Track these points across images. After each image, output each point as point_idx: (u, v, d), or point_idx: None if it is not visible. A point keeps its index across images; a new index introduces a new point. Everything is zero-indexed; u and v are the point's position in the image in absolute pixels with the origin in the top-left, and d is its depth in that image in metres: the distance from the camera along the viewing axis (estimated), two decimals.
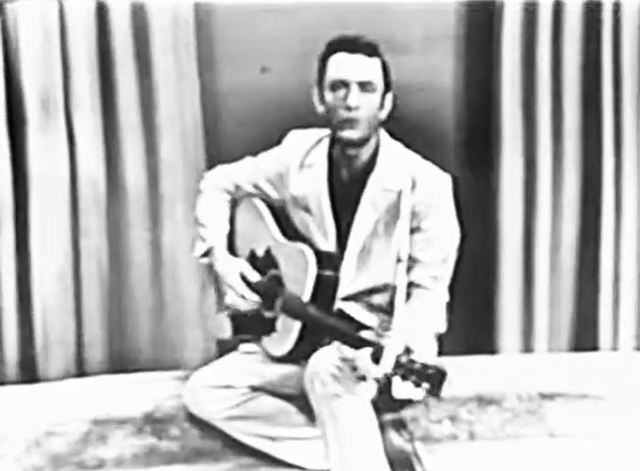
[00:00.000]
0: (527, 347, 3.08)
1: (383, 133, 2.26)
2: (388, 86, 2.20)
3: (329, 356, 2.08)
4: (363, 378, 1.93)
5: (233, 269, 2.32)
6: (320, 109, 2.21)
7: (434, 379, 1.82)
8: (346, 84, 2.13)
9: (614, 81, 2.99)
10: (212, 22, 3.00)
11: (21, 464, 2.45)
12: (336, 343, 2.09)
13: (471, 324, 3.01)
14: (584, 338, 3.11)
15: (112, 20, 2.89)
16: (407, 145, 2.30)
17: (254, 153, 2.43)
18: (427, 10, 3.01)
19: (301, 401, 2.31)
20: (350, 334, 2.06)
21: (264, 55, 2.93)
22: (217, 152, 2.99)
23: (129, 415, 2.55)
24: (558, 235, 3.06)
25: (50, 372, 2.95)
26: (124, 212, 2.99)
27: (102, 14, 2.89)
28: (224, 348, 2.45)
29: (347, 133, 2.14)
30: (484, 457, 2.49)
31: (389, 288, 2.24)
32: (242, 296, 2.29)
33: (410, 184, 2.17)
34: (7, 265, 2.91)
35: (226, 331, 2.43)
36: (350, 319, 2.22)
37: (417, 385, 1.83)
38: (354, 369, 1.98)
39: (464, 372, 2.73)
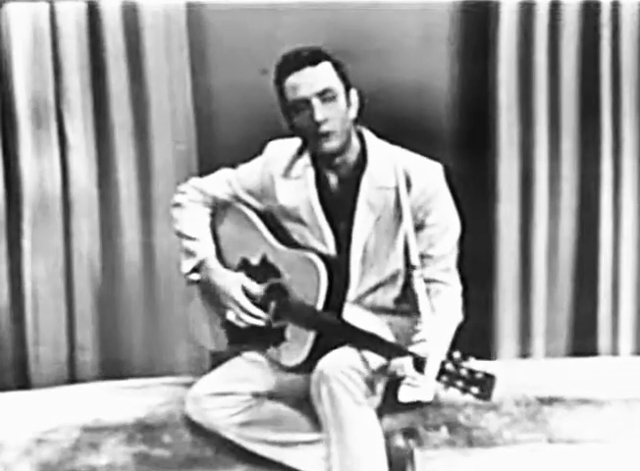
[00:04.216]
0: (525, 353, 3.08)
1: (367, 133, 2.27)
2: (347, 83, 2.20)
3: (339, 361, 2.08)
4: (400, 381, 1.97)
5: (233, 283, 2.29)
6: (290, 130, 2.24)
7: (483, 383, 1.86)
8: (306, 102, 2.13)
9: (613, 82, 2.99)
10: (204, 22, 2.99)
11: None
12: (351, 349, 2.11)
13: (468, 329, 2.99)
14: (583, 342, 3.10)
15: (103, 21, 2.88)
16: (403, 146, 2.28)
17: (247, 154, 2.42)
18: (423, 10, 3.00)
19: (305, 406, 2.29)
20: (376, 340, 2.08)
21: (257, 55, 2.90)
22: (210, 154, 2.98)
23: (120, 422, 2.52)
24: (555, 238, 3.05)
25: (42, 378, 2.93)
26: (116, 214, 2.97)
27: (93, 15, 2.88)
28: (218, 359, 2.44)
29: (327, 146, 2.16)
30: (482, 464, 2.47)
31: (391, 284, 2.27)
32: (248, 311, 2.26)
33: (405, 180, 2.19)
34: None
35: (219, 342, 2.40)
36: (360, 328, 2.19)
37: (465, 390, 1.87)
38: (369, 381, 2.07)
39: None
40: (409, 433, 2.41)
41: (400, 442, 2.31)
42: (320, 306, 2.17)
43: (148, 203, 2.97)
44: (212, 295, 2.35)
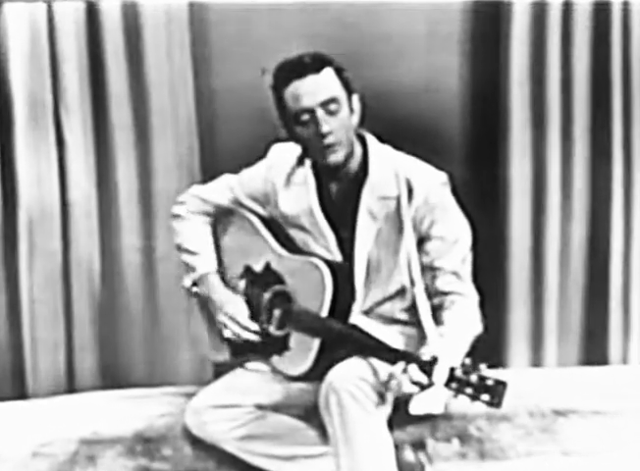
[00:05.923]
0: (537, 361, 3.06)
1: (370, 138, 2.21)
2: (349, 89, 2.13)
3: (348, 372, 2.04)
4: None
5: (231, 300, 2.30)
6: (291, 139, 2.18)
7: (494, 390, 1.82)
8: (309, 112, 2.06)
9: (624, 82, 2.97)
10: (206, 20, 2.97)
11: None
12: (360, 358, 2.08)
13: (479, 337, 2.96)
14: (594, 351, 3.08)
15: (103, 20, 2.87)
16: (412, 148, 2.23)
17: (250, 155, 2.38)
18: (432, 8, 2.97)
19: (311, 418, 2.26)
20: (381, 347, 2.04)
21: (260, 54, 2.86)
22: (212, 154, 2.97)
23: (119, 434, 2.47)
24: (567, 244, 3.03)
25: (39, 387, 2.91)
26: (115, 216, 2.95)
27: (93, 15, 2.87)
28: (221, 369, 2.41)
29: (332, 159, 2.09)
30: None
31: (400, 296, 2.21)
32: (246, 328, 2.26)
33: (407, 189, 2.13)
34: None
35: (222, 352, 2.38)
36: (366, 334, 2.16)
37: (474, 398, 1.83)
38: (378, 390, 2.01)
39: None
40: (419, 446, 2.37)
41: (409, 455, 2.28)
42: (325, 312, 2.13)
43: (148, 206, 2.94)
44: (210, 310, 2.35)
